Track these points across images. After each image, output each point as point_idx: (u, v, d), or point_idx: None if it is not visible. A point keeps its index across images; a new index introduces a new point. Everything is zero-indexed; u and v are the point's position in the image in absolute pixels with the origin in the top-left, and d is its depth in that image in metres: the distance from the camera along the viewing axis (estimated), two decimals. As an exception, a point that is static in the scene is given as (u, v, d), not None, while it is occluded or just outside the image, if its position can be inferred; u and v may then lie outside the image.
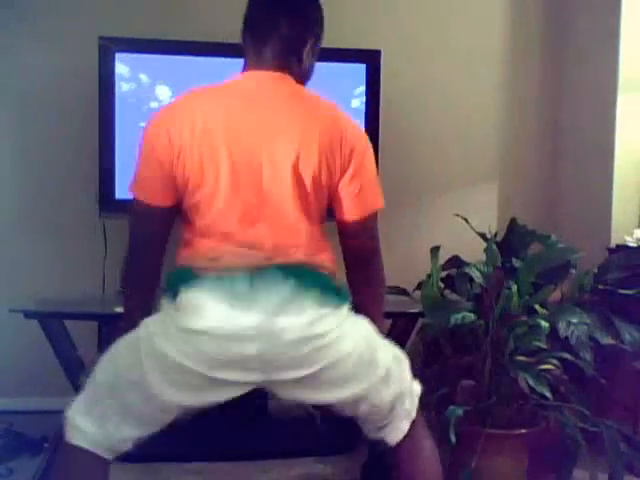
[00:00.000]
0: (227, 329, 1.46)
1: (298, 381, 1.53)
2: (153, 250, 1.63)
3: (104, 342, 2.55)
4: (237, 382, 1.51)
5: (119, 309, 2.46)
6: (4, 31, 2.84)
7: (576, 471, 2.23)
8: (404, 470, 1.68)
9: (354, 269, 1.71)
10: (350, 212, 1.65)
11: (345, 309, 1.59)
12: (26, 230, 2.89)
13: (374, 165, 1.67)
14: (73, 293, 2.75)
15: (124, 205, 2.55)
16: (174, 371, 1.48)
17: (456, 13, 3.14)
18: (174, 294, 1.53)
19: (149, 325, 1.54)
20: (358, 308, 1.64)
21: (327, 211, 1.67)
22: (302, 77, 1.68)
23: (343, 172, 1.60)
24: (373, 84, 2.78)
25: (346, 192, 1.62)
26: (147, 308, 1.60)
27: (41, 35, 2.84)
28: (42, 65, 2.84)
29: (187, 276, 1.52)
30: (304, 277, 1.52)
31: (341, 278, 1.66)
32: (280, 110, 1.58)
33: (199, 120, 1.52)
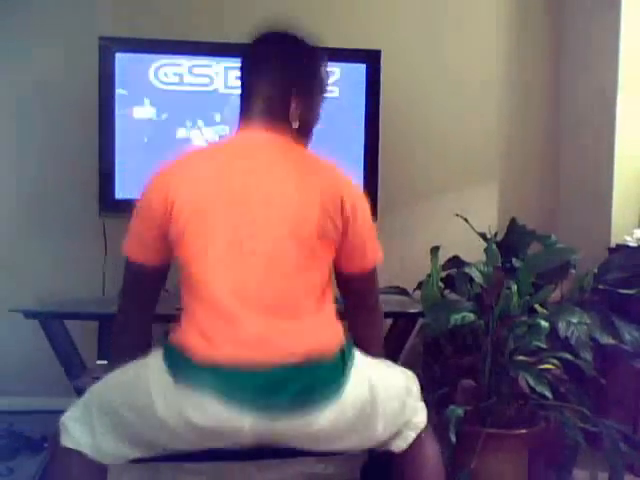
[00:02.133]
0: (221, 426, 1.42)
1: (298, 443, 1.52)
2: (145, 305, 1.63)
3: (104, 342, 2.57)
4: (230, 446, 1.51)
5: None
6: (4, 31, 2.84)
7: (576, 471, 2.24)
8: (407, 475, 1.67)
9: (353, 309, 1.70)
10: (350, 268, 1.63)
11: (348, 388, 1.52)
12: (26, 230, 2.89)
13: (372, 221, 1.64)
14: (73, 293, 2.75)
15: (124, 205, 2.56)
16: (169, 430, 1.45)
17: (456, 13, 3.14)
18: (172, 370, 1.46)
19: (148, 378, 1.49)
20: (357, 341, 1.61)
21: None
22: (300, 135, 1.64)
23: (345, 229, 1.56)
24: (373, 84, 2.78)
25: (347, 248, 1.58)
26: (137, 356, 1.55)
27: (41, 35, 2.84)
28: (42, 65, 2.84)
29: (182, 363, 1.44)
30: (309, 374, 1.45)
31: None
32: (277, 173, 1.54)
33: (196, 180, 1.50)
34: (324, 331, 1.53)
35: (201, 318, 1.46)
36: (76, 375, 2.40)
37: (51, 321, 2.48)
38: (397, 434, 1.63)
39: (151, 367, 1.50)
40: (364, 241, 1.61)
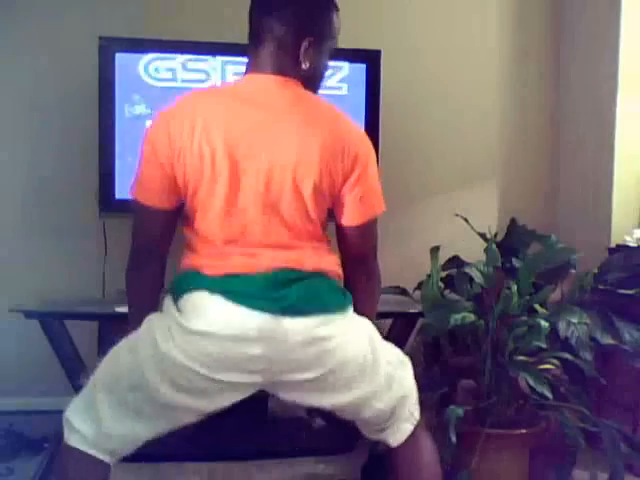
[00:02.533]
0: (229, 330, 1.45)
1: (301, 384, 1.52)
2: (156, 252, 1.63)
3: (104, 342, 2.57)
4: (240, 384, 1.50)
5: (119, 309, 2.48)
6: (4, 31, 2.84)
7: (576, 471, 2.23)
8: (404, 472, 1.68)
9: (351, 267, 1.70)
10: (352, 218, 1.64)
11: (350, 312, 1.59)
12: (26, 230, 2.89)
13: (376, 169, 1.66)
14: (73, 293, 2.75)
15: (124, 205, 2.55)
16: (177, 373, 1.47)
17: (456, 13, 3.14)
18: (177, 296, 1.52)
19: (151, 326, 1.53)
20: (354, 302, 1.63)
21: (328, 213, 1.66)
22: (309, 80, 1.64)
23: (345, 179, 1.58)
24: (373, 84, 2.78)
25: (348, 198, 1.61)
26: (151, 311, 1.59)
27: (41, 35, 2.84)
28: (42, 65, 2.84)
29: (190, 278, 1.52)
30: (311, 281, 1.52)
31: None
32: (281, 115, 1.56)
33: (199, 122, 1.51)
34: (321, 254, 1.59)
35: (206, 246, 1.54)
36: (76, 375, 2.40)
37: (51, 321, 2.47)
38: (394, 423, 1.63)
39: (153, 319, 1.55)
40: (365, 193, 1.61)
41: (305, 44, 1.59)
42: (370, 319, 1.67)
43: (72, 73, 2.83)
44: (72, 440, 1.51)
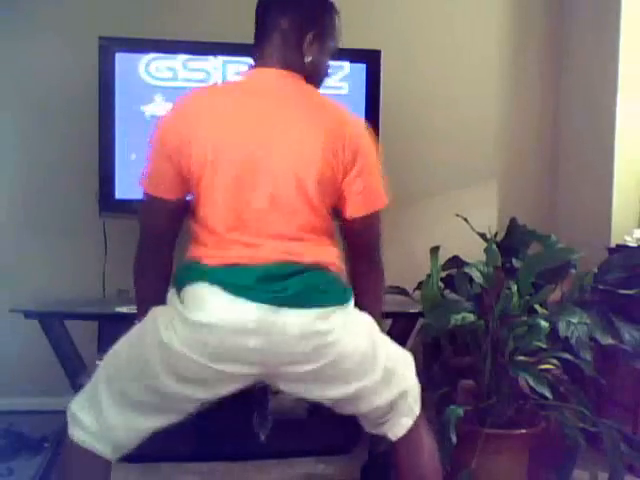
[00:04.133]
0: (228, 322, 1.46)
1: (299, 376, 1.53)
2: (162, 244, 1.65)
3: (104, 342, 2.56)
4: (239, 375, 1.52)
5: (119, 309, 2.48)
6: (4, 31, 2.84)
7: (576, 471, 2.24)
8: (403, 467, 1.68)
9: (356, 260, 1.71)
10: (354, 211, 1.65)
11: (350, 307, 1.59)
12: (26, 230, 2.89)
13: (378, 163, 1.67)
14: (73, 293, 2.75)
15: (124, 205, 2.58)
16: (178, 363, 1.48)
17: (456, 13, 3.14)
18: (179, 287, 1.54)
19: (155, 318, 1.55)
20: (357, 295, 1.64)
21: (333, 210, 1.66)
22: (311, 75, 1.68)
23: (346, 172, 1.60)
24: (373, 84, 2.78)
25: (350, 191, 1.62)
26: (159, 302, 1.60)
27: (41, 35, 2.84)
28: (42, 65, 2.84)
29: (192, 269, 1.53)
30: (311, 274, 1.52)
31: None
32: (284, 106, 1.59)
33: (206, 114, 1.55)
34: (323, 248, 1.59)
35: (210, 236, 1.54)
36: (76, 375, 2.40)
37: (51, 321, 2.48)
38: (393, 417, 1.64)
39: (156, 311, 1.56)
40: (366, 185, 1.63)
41: (309, 37, 1.65)
42: (376, 314, 1.68)
43: (72, 73, 2.83)
44: (75, 434, 1.52)
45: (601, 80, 2.89)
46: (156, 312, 1.57)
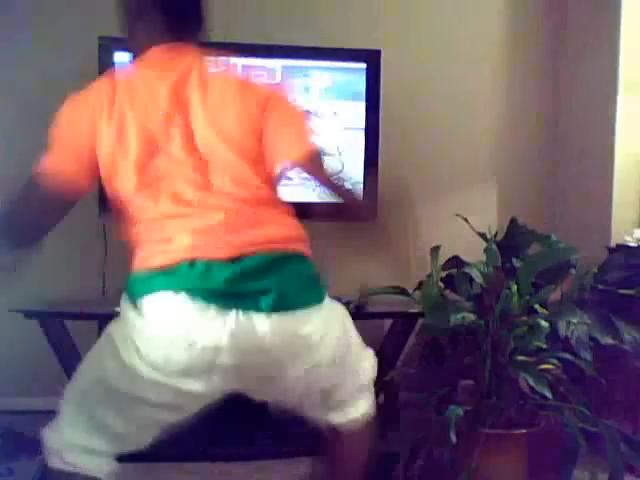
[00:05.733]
0: (194, 336, 1.31)
1: (275, 382, 1.45)
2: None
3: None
4: (210, 392, 1.41)
5: (119, 309, 2.47)
6: (4, 31, 2.83)
7: (576, 471, 2.24)
8: (336, 453, 1.68)
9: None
10: (288, 153, 1.48)
11: (326, 300, 1.47)
12: (26, 230, 2.89)
13: (295, 111, 1.54)
14: (73, 293, 2.75)
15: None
16: (145, 387, 1.38)
17: (456, 13, 3.14)
18: (134, 298, 1.39)
19: (112, 338, 1.45)
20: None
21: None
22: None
23: (262, 109, 1.46)
24: (373, 84, 2.78)
25: (271, 125, 1.47)
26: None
27: (41, 35, 2.84)
28: (42, 65, 2.84)
29: (144, 278, 1.38)
30: (286, 270, 1.37)
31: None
32: (198, 92, 1.48)
33: (115, 98, 1.49)
34: (295, 238, 1.44)
35: (147, 236, 1.42)
36: (76, 375, 2.40)
37: (51, 321, 2.48)
38: (344, 405, 1.60)
39: (110, 329, 1.47)
40: (287, 117, 1.49)
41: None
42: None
43: (72, 73, 2.83)
44: (50, 461, 1.46)
45: (601, 80, 2.89)
46: (111, 330, 1.46)
